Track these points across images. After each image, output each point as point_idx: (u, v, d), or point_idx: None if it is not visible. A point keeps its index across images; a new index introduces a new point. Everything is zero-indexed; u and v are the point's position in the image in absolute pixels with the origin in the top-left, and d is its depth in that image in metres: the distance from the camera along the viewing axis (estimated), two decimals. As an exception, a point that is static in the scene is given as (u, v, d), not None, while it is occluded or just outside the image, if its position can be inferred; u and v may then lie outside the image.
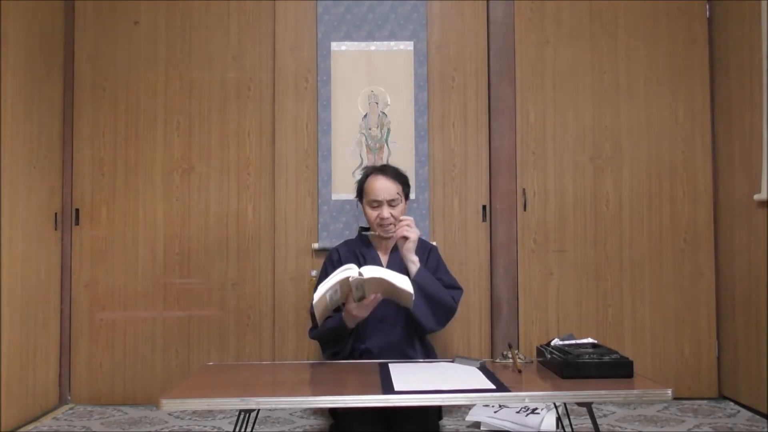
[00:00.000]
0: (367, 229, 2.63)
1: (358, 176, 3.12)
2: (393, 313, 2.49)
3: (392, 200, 2.54)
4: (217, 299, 3.20)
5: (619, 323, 3.18)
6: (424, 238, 3.00)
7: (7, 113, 2.71)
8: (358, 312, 2.26)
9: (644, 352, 3.16)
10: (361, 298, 2.21)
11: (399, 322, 2.51)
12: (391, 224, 2.54)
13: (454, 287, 2.59)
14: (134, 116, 3.25)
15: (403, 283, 2.18)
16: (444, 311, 2.50)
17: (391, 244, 2.62)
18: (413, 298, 2.24)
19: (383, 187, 2.54)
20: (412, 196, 2.89)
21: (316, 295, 2.16)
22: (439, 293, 2.47)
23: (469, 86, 3.24)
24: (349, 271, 2.15)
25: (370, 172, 2.63)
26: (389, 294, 2.26)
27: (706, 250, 3.18)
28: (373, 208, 2.56)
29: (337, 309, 2.38)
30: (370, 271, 2.14)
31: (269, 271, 3.20)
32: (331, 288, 2.16)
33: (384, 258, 2.61)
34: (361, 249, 2.61)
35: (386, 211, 2.52)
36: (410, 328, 2.51)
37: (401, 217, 2.52)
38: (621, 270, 3.19)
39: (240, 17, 3.27)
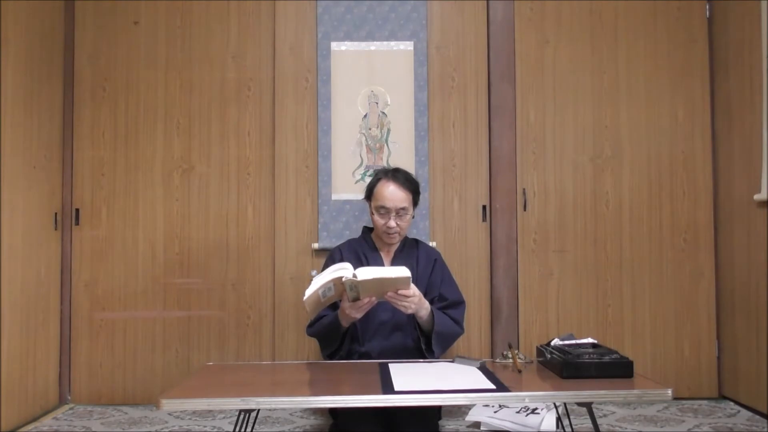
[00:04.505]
0: (372, 229, 2.63)
1: (358, 176, 3.15)
2: (393, 317, 2.48)
3: (401, 209, 2.52)
4: (217, 299, 3.20)
5: (619, 323, 3.18)
6: (423, 239, 3.01)
7: (7, 113, 2.71)
8: (351, 312, 2.25)
9: (644, 352, 3.16)
10: (356, 299, 2.20)
11: (399, 327, 2.51)
12: (396, 233, 2.54)
13: (458, 302, 2.57)
14: (134, 116, 3.25)
15: (400, 272, 2.16)
16: (453, 341, 2.52)
17: (394, 247, 2.62)
18: (411, 280, 2.21)
19: (393, 195, 2.51)
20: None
21: (309, 290, 2.15)
22: (452, 332, 2.48)
23: (469, 86, 3.24)
24: (343, 270, 2.14)
25: (381, 176, 2.58)
26: (386, 293, 2.24)
27: (706, 250, 3.18)
28: (380, 215, 2.53)
29: (335, 305, 2.38)
30: (364, 273, 2.13)
31: (269, 271, 3.20)
32: (323, 285, 2.15)
33: (387, 259, 2.61)
34: (364, 250, 2.61)
35: (393, 221, 2.51)
36: (410, 333, 2.51)
37: (408, 294, 2.22)
38: (621, 270, 3.19)
39: (240, 17, 3.27)
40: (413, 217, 2.63)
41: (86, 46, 3.26)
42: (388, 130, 3.19)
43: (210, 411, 2.95)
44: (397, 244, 2.62)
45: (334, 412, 2.52)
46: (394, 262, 2.59)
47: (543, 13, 3.25)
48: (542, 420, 2.55)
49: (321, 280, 2.17)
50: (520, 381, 1.97)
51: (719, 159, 3.18)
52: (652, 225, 3.20)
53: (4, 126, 2.68)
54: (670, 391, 1.78)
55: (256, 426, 2.37)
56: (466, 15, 3.26)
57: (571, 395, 1.82)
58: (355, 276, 2.11)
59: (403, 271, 2.15)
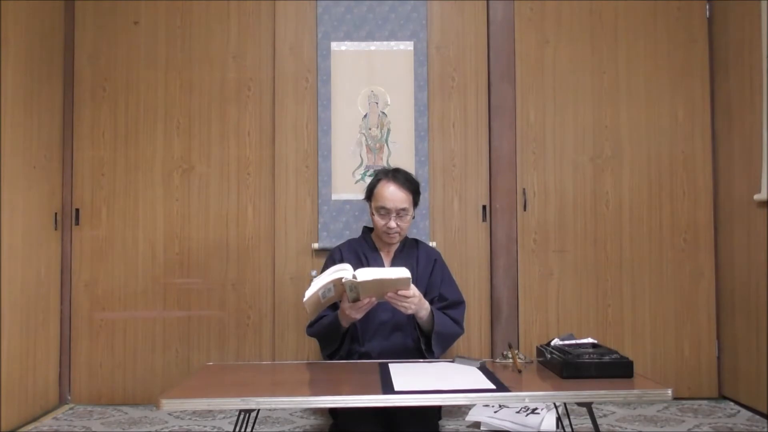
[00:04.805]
0: (372, 229, 2.63)
1: (358, 176, 3.15)
2: (393, 317, 2.48)
3: (401, 210, 2.52)
4: (217, 299, 3.20)
5: (619, 323, 3.18)
6: (423, 239, 3.01)
7: (7, 113, 2.71)
8: (351, 312, 2.26)
9: (644, 352, 3.16)
10: (356, 299, 2.20)
11: (399, 327, 2.51)
12: (396, 234, 2.54)
13: (458, 302, 2.57)
14: (134, 116, 3.25)
15: (400, 273, 2.16)
16: (453, 341, 2.52)
17: (394, 247, 2.62)
18: (411, 281, 2.21)
19: (393, 196, 2.51)
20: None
21: (308, 292, 2.16)
22: (452, 332, 2.48)
23: (469, 86, 3.24)
24: (343, 272, 2.15)
25: (381, 176, 2.58)
26: (385, 294, 2.24)
27: (706, 250, 3.18)
28: (381, 215, 2.53)
29: (336, 305, 2.38)
30: (364, 275, 2.13)
31: (269, 271, 3.20)
32: (323, 287, 2.16)
33: (387, 260, 2.61)
34: (364, 250, 2.61)
35: (393, 222, 2.51)
36: (410, 333, 2.51)
37: (408, 294, 2.22)
38: (621, 270, 3.18)
39: (240, 17, 3.27)
40: (413, 218, 2.63)
41: (86, 46, 3.26)
42: (388, 130, 3.19)
43: (210, 411, 2.95)
44: (397, 245, 2.62)
45: (334, 412, 2.52)
46: (394, 262, 2.59)
47: (543, 13, 3.24)
48: (542, 420, 2.56)
49: (321, 281, 2.17)
50: (520, 381, 1.97)
51: (719, 159, 3.18)
52: (652, 225, 3.20)
53: (4, 126, 2.68)
54: (670, 391, 1.78)
55: (256, 426, 2.36)
56: (466, 15, 3.26)
57: (571, 395, 1.82)
58: (354, 277, 2.12)
59: (403, 272, 2.16)
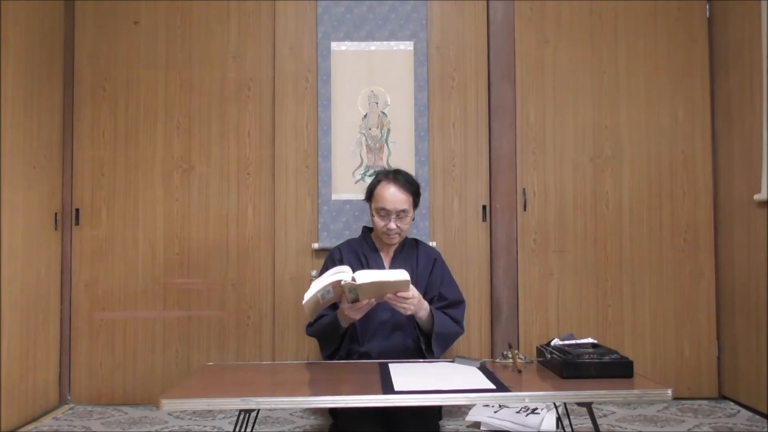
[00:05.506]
0: (371, 229, 2.63)
1: (358, 176, 3.15)
2: (392, 317, 2.48)
3: (401, 211, 2.52)
4: (217, 299, 3.20)
5: (619, 323, 3.18)
6: (423, 239, 3.01)
7: (7, 113, 2.71)
8: (350, 313, 2.26)
9: (644, 352, 3.16)
10: (355, 300, 2.20)
11: (398, 327, 2.51)
12: (396, 235, 2.54)
13: (458, 302, 2.57)
14: (134, 116, 3.25)
15: (399, 275, 2.16)
16: (453, 341, 2.52)
17: (394, 247, 2.62)
18: (410, 282, 2.21)
19: (393, 197, 2.51)
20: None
21: (308, 294, 2.16)
22: (452, 332, 2.48)
23: (469, 86, 3.24)
24: (341, 274, 2.15)
25: (381, 178, 2.58)
26: (384, 295, 2.24)
27: (706, 250, 3.18)
28: (381, 216, 2.53)
29: (336, 304, 2.38)
30: (363, 277, 2.12)
31: (269, 271, 3.20)
32: (322, 289, 2.16)
33: (387, 260, 2.61)
34: (363, 250, 2.61)
35: (393, 223, 2.51)
36: (410, 333, 2.51)
37: (407, 296, 2.22)
38: (621, 270, 3.18)
39: (240, 17, 3.27)
40: (413, 219, 2.63)
41: (86, 46, 3.26)
42: (388, 130, 3.19)
43: (210, 411, 2.95)
44: (397, 245, 2.62)
45: (334, 412, 2.52)
46: (394, 262, 2.59)
47: (543, 13, 3.24)
48: (542, 420, 2.56)
49: (320, 283, 2.17)
50: (520, 381, 1.97)
51: (719, 159, 3.18)
52: (652, 225, 3.20)
53: (4, 126, 2.68)
54: (670, 391, 1.78)
55: (256, 426, 2.37)
56: (466, 15, 3.26)
57: (571, 395, 1.82)
58: (353, 279, 2.12)
59: (401, 275, 2.16)
